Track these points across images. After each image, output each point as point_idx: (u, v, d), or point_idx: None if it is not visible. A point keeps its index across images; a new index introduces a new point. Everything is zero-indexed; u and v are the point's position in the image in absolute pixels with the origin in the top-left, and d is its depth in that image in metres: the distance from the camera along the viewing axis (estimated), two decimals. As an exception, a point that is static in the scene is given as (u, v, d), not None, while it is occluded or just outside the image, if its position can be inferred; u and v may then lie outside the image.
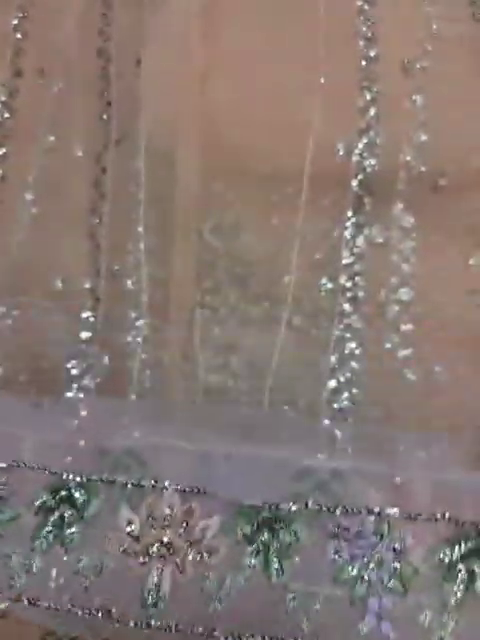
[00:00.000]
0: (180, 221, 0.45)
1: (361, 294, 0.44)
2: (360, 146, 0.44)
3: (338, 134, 0.45)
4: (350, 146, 0.44)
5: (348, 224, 0.45)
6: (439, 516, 0.25)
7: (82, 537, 0.27)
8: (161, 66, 0.48)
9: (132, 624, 0.24)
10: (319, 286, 0.44)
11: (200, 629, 0.24)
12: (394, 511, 0.25)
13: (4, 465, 0.31)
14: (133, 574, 0.26)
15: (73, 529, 0.27)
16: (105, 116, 0.48)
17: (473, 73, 0.46)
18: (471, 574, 0.24)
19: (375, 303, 0.44)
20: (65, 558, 0.27)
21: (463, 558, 0.24)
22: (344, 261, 0.44)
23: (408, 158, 0.44)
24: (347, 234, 0.45)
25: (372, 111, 0.45)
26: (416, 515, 0.25)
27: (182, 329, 0.44)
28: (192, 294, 0.45)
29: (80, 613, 0.25)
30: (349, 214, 0.44)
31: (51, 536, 0.27)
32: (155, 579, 0.25)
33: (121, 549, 0.26)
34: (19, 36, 0.53)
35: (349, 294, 0.44)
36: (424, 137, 0.44)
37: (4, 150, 0.51)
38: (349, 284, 0.44)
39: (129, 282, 0.46)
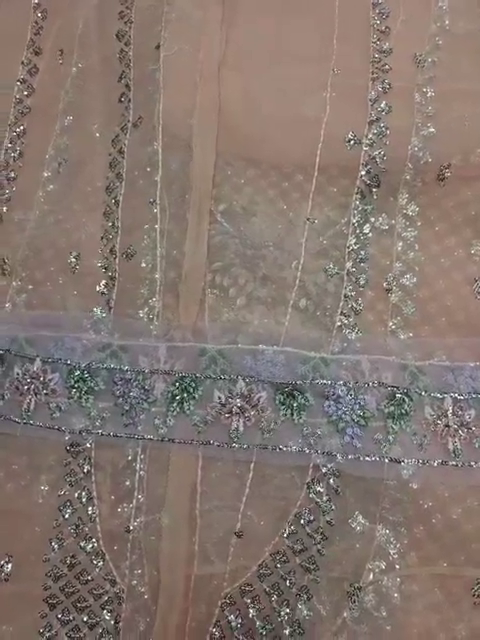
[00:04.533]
0: (194, 203, 0.47)
1: (365, 279, 0.46)
2: (369, 137, 0.46)
3: (348, 125, 0.46)
4: (360, 137, 0.46)
5: (355, 211, 0.46)
6: (377, 383, 0.42)
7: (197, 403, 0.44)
8: (179, 51, 0.48)
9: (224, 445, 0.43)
10: (325, 270, 0.46)
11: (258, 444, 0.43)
12: (355, 384, 0.43)
13: None
14: (224, 422, 0.43)
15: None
16: (123, 98, 0.50)
17: (482, 68, 0.47)
18: (400, 414, 0.42)
19: (379, 288, 0.45)
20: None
21: (393, 406, 0.42)
22: (350, 247, 0.46)
23: (416, 149, 0.45)
24: (354, 221, 0.46)
25: (383, 103, 0.46)
26: (364, 384, 0.43)
27: (193, 307, 0.46)
28: (203, 274, 0.46)
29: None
30: (356, 202, 0.46)
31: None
32: (235, 425, 0.43)
33: (215, 411, 0.43)
34: (39, 15, 0.54)
35: (354, 278, 0.46)
36: (432, 129, 0.46)
37: (22, 127, 0.52)
38: (354, 269, 0.46)
39: (143, 261, 0.47)
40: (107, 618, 0.42)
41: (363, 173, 0.46)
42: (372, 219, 0.46)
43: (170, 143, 0.47)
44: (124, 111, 0.49)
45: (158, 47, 0.49)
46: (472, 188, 0.46)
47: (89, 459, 0.44)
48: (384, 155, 0.46)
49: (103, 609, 0.42)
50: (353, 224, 0.46)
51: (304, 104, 0.47)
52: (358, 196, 0.46)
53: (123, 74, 0.50)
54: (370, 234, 0.46)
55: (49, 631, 0.42)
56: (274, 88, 0.48)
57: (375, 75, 0.47)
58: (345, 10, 0.49)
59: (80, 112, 0.50)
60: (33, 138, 0.51)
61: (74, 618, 0.42)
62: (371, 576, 0.41)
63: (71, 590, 0.42)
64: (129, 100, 0.49)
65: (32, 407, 0.45)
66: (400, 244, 0.46)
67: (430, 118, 0.46)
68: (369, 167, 0.46)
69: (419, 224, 0.46)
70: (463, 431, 0.42)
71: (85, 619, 0.42)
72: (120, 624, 0.42)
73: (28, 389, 0.45)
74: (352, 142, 0.46)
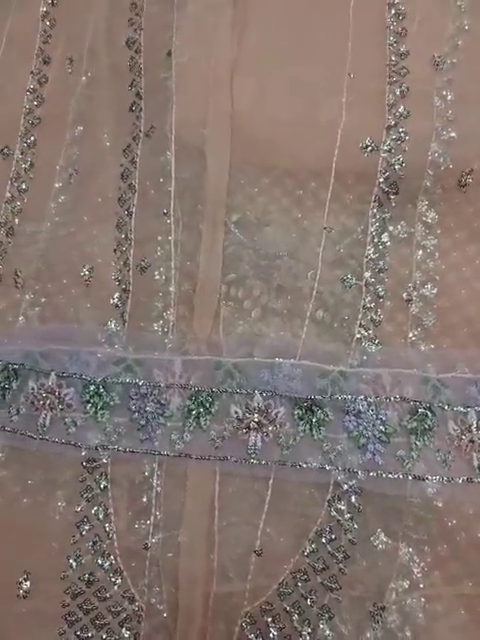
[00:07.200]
0: (207, 214, 0.46)
1: (384, 289, 0.44)
2: (388, 142, 0.45)
3: (365, 130, 0.45)
4: (377, 142, 0.45)
5: (373, 220, 0.45)
6: (398, 398, 0.41)
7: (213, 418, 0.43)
8: (191, 58, 0.47)
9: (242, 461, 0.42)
10: (343, 281, 0.45)
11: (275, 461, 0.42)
12: (376, 398, 0.42)
13: None
14: (241, 438, 0.42)
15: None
16: (134, 107, 0.49)
17: (504, 69, 0.46)
18: (423, 430, 0.41)
19: (398, 298, 0.44)
20: None
21: (416, 422, 0.41)
22: (368, 256, 0.45)
23: (436, 155, 0.44)
24: (372, 230, 0.45)
25: (401, 107, 0.45)
26: (385, 398, 0.42)
27: (208, 320, 0.45)
28: (218, 286, 0.45)
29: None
30: (374, 210, 0.45)
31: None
32: (252, 440, 0.42)
33: (232, 426, 0.42)
34: (48, 23, 0.53)
35: (373, 289, 0.45)
36: (453, 134, 0.44)
37: (33, 137, 0.51)
38: (373, 279, 0.45)
39: (157, 274, 0.46)
40: (126, 636, 0.42)
41: (381, 180, 0.45)
42: (390, 227, 0.45)
43: (183, 152, 0.47)
44: (135, 120, 0.48)
45: (170, 54, 0.48)
46: (493, 195, 0.44)
47: (105, 475, 0.43)
48: (403, 161, 0.44)
49: (122, 627, 0.42)
50: (371, 233, 0.45)
51: (319, 109, 0.46)
52: (376, 204, 0.45)
53: (133, 82, 0.49)
54: (388, 243, 0.45)
55: (67, 647, 0.41)
56: (288, 92, 0.46)
57: (392, 78, 0.46)
58: (360, 11, 0.47)
59: (90, 122, 0.49)
60: (44, 149, 0.51)
61: (93, 636, 0.42)
62: (394, 595, 0.40)
63: (89, 607, 0.42)
64: (140, 109, 0.48)
65: (48, 422, 0.44)
66: (419, 253, 0.45)
67: (450, 122, 0.44)
68: (387, 174, 0.44)
69: (439, 232, 0.45)
70: (488, 446, 0.41)
71: (104, 636, 0.42)
72: (139, 642, 0.42)
73: (43, 404, 0.44)
74: (370, 148, 0.45)
